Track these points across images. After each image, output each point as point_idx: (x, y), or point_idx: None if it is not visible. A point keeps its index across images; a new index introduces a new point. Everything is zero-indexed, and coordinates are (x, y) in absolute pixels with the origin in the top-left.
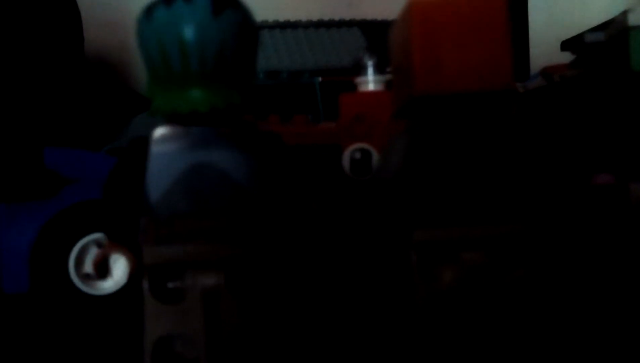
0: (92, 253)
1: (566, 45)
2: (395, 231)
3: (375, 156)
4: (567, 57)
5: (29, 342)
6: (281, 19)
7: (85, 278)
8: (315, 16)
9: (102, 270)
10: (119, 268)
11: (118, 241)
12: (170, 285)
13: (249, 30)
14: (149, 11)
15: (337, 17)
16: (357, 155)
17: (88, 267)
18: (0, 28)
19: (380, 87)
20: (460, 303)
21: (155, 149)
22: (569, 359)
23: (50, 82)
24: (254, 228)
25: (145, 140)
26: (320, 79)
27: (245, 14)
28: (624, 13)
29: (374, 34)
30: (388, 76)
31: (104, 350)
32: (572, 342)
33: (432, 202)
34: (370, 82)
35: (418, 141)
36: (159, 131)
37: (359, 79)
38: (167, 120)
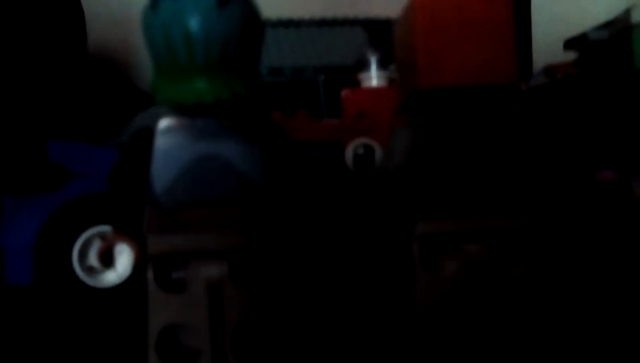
0: (96, 246)
1: (569, 44)
2: (398, 222)
3: (378, 151)
4: (569, 57)
5: (33, 334)
6: (284, 17)
7: (89, 270)
8: (318, 14)
9: (107, 260)
10: (123, 261)
11: (123, 232)
12: (174, 275)
13: (254, 21)
14: (154, 2)
15: (340, 16)
16: (360, 151)
17: (92, 260)
18: (5, 23)
19: (383, 83)
20: (462, 294)
21: (160, 140)
22: (568, 353)
23: (53, 78)
24: (258, 219)
25: (150, 131)
26: (323, 77)
27: (250, 6)
28: (627, 11)
29: (376, 32)
30: (391, 72)
31: (107, 343)
32: (571, 336)
33: (435, 194)
34: (373, 78)
35: (422, 134)
36: (164, 122)
37: (362, 75)
38: (172, 112)
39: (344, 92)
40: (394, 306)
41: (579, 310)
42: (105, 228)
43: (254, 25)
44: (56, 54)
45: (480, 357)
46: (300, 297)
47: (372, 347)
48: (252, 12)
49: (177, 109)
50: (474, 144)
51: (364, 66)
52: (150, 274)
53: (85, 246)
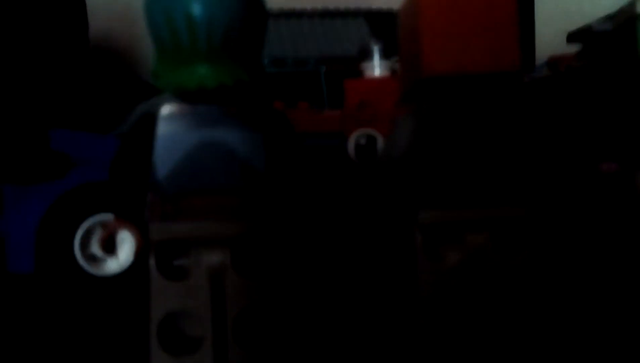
0: (98, 234)
1: (573, 37)
2: (401, 212)
3: (381, 141)
4: (572, 49)
5: (34, 322)
6: (287, 7)
7: (91, 258)
8: (320, 5)
9: (109, 247)
10: (124, 249)
11: (125, 219)
12: (176, 262)
13: (257, 7)
14: None
15: (342, 7)
16: (362, 141)
17: (93, 248)
18: (7, 12)
19: (385, 73)
20: (465, 284)
21: (162, 126)
22: (571, 344)
23: (54, 66)
24: (261, 206)
25: (152, 118)
26: (325, 67)
27: None
28: (633, 2)
29: (378, 23)
30: (393, 62)
31: (109, 331)
32: (574, 327)
33: (438, 183)
34: (375, 67)
35: (425, 123)
36: (166, 109)
37: (364, 65)
38: (174, 98)
39: (346, 83)
40: (396, 295)
41: (582, 300)
42: (107, 217)
43: (257, 10)
44: (58, 43)
45: (484, 347)
46: (302, 286)
47: (375, 337)
48: None
49: (179, 95)
50: (477, 133)
51: (366, 56)
52: (152, 261)
53: (87, 235)
